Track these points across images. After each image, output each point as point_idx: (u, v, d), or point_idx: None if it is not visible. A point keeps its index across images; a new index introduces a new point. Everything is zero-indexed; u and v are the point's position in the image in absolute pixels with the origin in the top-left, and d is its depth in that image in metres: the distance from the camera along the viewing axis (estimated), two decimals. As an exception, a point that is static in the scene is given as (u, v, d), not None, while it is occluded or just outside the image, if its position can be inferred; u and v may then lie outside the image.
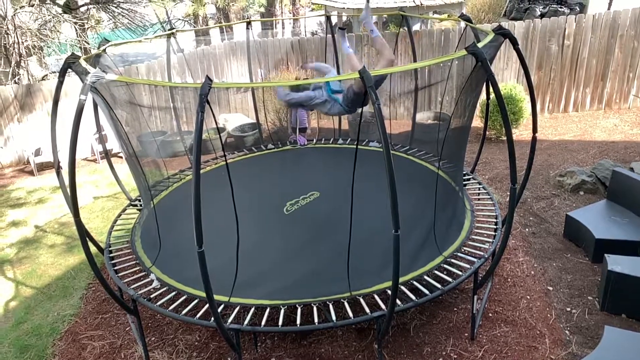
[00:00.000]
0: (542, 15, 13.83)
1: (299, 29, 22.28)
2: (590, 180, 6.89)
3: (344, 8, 14.36)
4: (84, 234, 3.92)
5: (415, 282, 4.16)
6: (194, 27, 19.77)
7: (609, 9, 9.97)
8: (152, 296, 4.48)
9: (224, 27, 13.25)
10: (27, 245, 6.99)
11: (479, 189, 5.85)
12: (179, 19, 21.28)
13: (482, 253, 4.55)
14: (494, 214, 5.16)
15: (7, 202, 8.55)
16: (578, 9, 13.95)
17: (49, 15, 13.02)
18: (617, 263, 4.61)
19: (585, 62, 10.01)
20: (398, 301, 3.79)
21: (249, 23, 7.95)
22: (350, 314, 3.88)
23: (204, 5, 18.42)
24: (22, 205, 8.39)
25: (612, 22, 9.65)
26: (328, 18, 8.53)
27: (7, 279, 6.19)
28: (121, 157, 10.04)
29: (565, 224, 5.93)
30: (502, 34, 4.10)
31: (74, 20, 13.12)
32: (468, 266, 4.36)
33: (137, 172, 5.23)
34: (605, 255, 4.76)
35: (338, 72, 7.10)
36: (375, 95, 3.03)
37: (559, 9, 13.95)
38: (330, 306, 3.94)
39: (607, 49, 9.84)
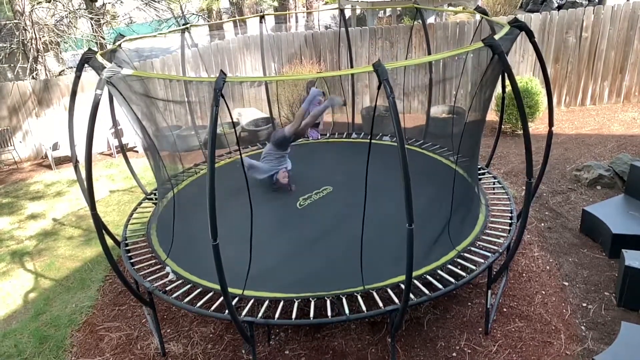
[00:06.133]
0: (559, 7, 13.62)
1: (313, 22, 22.21)
2: (608, 174, 6.79)
3: (357, 1, 14.29)
4: (100, 227, 3.98)
5: (429, 277, 4.16)
6: (208, 21, 19.85)
7: (628, 0, 9.77)
8: (167, 289, 4.54)
9: (237, 21, 13.25)
10: (45, 238, 7.12)
11: (494, 183, 5.81)
12: (193, 14, 21.35)
13: (496, 248, 4.53)
14: (509, 208, 5.12)
15: (26, 196, 8.71)
16: (597, 0, 13.71)
17: (65, 11, 13.16)
18: (634, 258, 4.55)
19: (603, 55, 9.83)
20: (412, 295, 3.79)
21: (262, 17, 7.95)
22: (364, 308, 3.89)
23: (217, 0, 18.46)
24: (41, 198, 8.54)
25: (631, 14, 9.46)
26: (342, 12, 8.49)
27: (27, 271, 6.32)
28: (137, 152, 10.15)
29: (582, 219, 5.86)
30: (518, 26, 4.05)
31: (90, 16, 13.25)
32: (482, 261, 4.34)
33: (154, 164, 5.29)
34: (623, 250, 4.70)
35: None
36: (390, 88, 3.02)
37: (577, 1, 13.72)
38: (344, 300, 3.95)
39: (626, 40, 9.65)
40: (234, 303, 3.77)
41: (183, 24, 7.17)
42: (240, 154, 4.13)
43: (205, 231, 3.31)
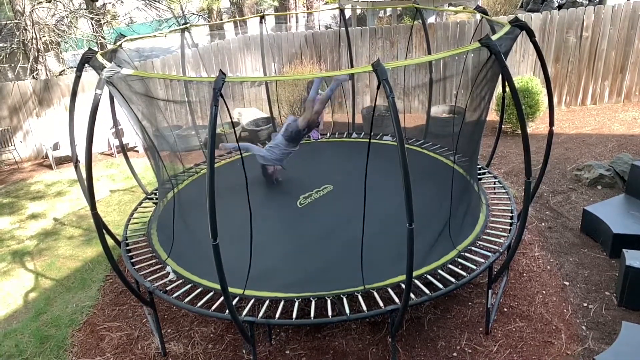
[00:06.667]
0: (559, 7, 13.61)
1: (313, 22, 22.20)
2: (609, 174, 6.78)
3: (357, 1, 14.29)
4: (101, 227, 3.99)
5: (429, 276, 4.15)
6: (208, 21, 19.84)
7: (628, 0, 9.78)
8: (168, 288, 4.54)
9: (237, 21, 13.24)
10: (46, 238, 7.12)
11: (495, 183, 5.80)
12: (193, 14, 21.36)
13: (497, 247, 4.53)
14: (510, 208, 5.12)
15: (26, 195, 8.71)
16: (597, 0, 13.69)
17: (65, 10, 13.17)
18: (635, 258, 4.54)
19: (604, 54, 9.83)
20: (412, 295, 3.79)
21: (262, 17, 7.95)
22: (364, 308, 3.89)
23: (218, 0, 18.46)
24: (41, 198, 8.54)
25: (632, 13, 9.46)
26: (342, 11, 8.49)
27: (28, 271, 6.32)
28: (137, 152, 10.16)
29: (583, 219, 5.85)
30: (519, 26, 4.04)
31: (91, 16, 13.25)
32: (483, 260, 4.33)
33: (155, 164, 5.29)
34: (623, 250, 4.69)
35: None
36: (390, 88, 3.02)
37: (578, 0, 13.70)
38: (344, 299, 3.95)
39: (626, 40, 9.64)
40: (234, 303, 3.77)
41: (183, 24, 7.17)
42: (241, 154, 4.13)
43: (205, 231, 3.31)
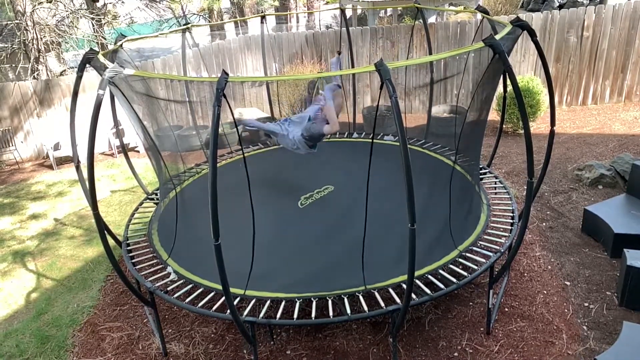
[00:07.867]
0: (560, 7, 13.60)
1: (314, 22, 22.21)
2: (610, 174, 6.78)
3: (358, 1, 14.30)
4: (102, 228, 3.98)
5: (430, 276, 4.15)
6: (209, 21, 19.85)
7: (629, -1, 9.78)
8: (169, 289, 4.54)
9: (238, 21, 13.24)
10: (47, 238, 7.13)
11: (496, 183, 5.80)
12: (194, 14, 21.38)
13: (498, 247, 4.52)
14: (511, 208, 5.11)
15: (27, 196, 8.72)
16: (598, 0, 13.68)
17: (66, 11, 13.18)
18: (636, 258, 4.54)
19: (604, 54, 9.82)
20: (413, 295, 3.79)
21: (263, 17, 7.95)
22: (365, 308, 3.89)
23: (218, 0, 18.47)
24: (42, 198, 8.55)
25: (632, 13, 9.46)
26: (342, 11, 8.49)
27: (28, 271, 6.33)
28: (138, 152, 10.16)
29: (584, 219, 5.85)
30: (520, 25, 4.04)
31: (91, 16, 13.26)
32: (484, 260, 4.33)
33: (156, 164, 5.29)
34: (625, 250, 4.69)
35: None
36: (393, 88, 3.02)
37: (578, 0, 13.69)
38: (345, 300, 3.94)
39: (627, 40, 9.64)
40: (235, 303, 3.77)
41: (184, 24, 7.17)
42: (243, 154, 4.13)
43: (206, 231, 3.31)
